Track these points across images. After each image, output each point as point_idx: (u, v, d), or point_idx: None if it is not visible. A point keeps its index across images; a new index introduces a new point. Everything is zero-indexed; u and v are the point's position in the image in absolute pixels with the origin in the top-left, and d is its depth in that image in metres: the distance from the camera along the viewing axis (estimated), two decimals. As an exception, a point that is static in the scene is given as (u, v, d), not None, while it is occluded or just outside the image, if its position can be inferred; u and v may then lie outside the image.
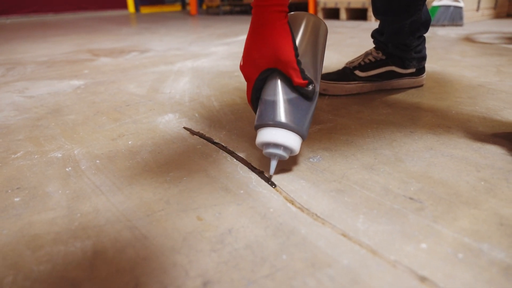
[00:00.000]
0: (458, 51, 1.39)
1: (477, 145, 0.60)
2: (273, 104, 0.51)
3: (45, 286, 0.36)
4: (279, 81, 0.52)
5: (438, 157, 0.57)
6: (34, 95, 1.04)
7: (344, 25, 2.53)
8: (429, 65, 1.17)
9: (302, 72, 0.51)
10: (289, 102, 0.50)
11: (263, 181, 0.53)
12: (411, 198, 0.47)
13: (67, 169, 0.59)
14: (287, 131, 0.49)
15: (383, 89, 0.93)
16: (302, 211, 0.45)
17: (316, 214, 0.45)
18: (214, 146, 0.66)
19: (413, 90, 0.93)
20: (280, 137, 0.49)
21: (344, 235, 0.41)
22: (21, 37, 2.54)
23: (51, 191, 0.53)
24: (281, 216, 0.45)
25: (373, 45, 0.95)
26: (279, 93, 0.51)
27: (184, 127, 0.75)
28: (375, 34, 0.92)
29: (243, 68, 0.56)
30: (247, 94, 0.57)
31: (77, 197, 0.51)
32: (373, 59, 0.91)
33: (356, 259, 0.37)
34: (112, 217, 0.46)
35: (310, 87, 0.51)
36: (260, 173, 0.54)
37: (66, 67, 1.42)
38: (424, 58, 0.91)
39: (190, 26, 2.82)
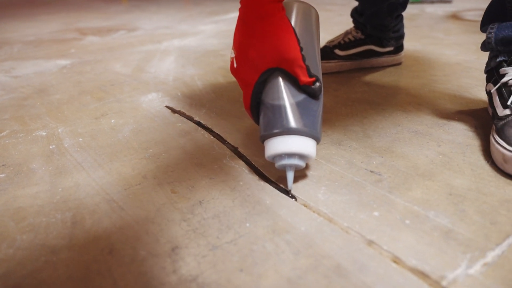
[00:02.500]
0: (442, 29, 1.41)
1: (443, 122, 0.63)
2: (280, 109, 0.44)
3: (27, 253, 0.39)
4: (282, 82, 0.46)
5: (404, 133, 0.60)
6: (20, 75, 1.06)
7: (333, 1, 2.51)
8: (411, 43, 1.18)
9: (308, 69, 0.45)
10: (297, 104, 0.45)
11: (236, 157, 0.56)
12: (371, 171, 0.50)
13: (51, 147, 0.62)
14: (301, 137, 0.44)
15: (362, 68, 0.96)
16: (269, 183, 0.49)
17: (281, 187, 0.48)
18: (193, 124, 0.68)
19: (391, 68, 0.95)
20: (295, 146, 0.43)
21: (305, 205, 0.44)
22: (8, 16, 2.51)
23: (35, 168, 0.56)
24: (250, 189, 0.48)
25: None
26: (285, 95, 0.45)
27: (166, 106, 0.78)
28: (354, 15, 0.94)
29: (238, 71, 0.48)
30: (245, 100, 0.49)
31: (60, 173, 0.54)
32: (352, 38, 0.93)
33: (313, 226, 0.40)
34: (91, 191, 0.49)
35: (317, 84, 0.46)
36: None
37: (53, 47, 1.42)
38: (402, 36, 0.93)
39: (181, 4, 2.79)
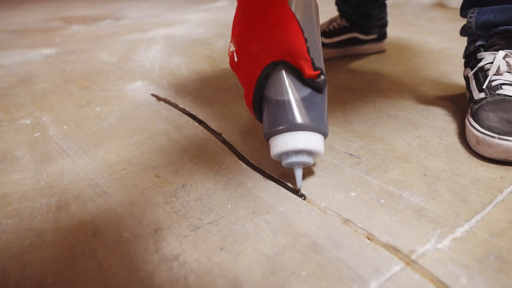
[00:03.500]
0: (427, 18, 1.42)
1: (422, 107, 0.65)
2: (285, 104, 0.42)
3: (13, 236, 0.40)
4: (286, 76, 0.43)
5: (384, 118, 0.62)
6: (4, 64, 1.05)
7: (322, -10, 2.51)
8: (395, 31, 1.20)
9: (312, 62, 0.43)
10: (303, 99, 0.43)
11: (220, 142, 0.57)
12: (351, 155, 0.51)
13: (35, 135, 0.62)
14: (309, 132, 0.42)
15: (347, 55, 0.97)
16: (252, 168, 0.50)
17: (263, 171, 0.49)
18: (178, 111, 0.69)
19: (375, 56, 0.96)
20: (303, 142, 0.41)
21: (285, 187, 0.45)
22: (-9, 5, 2.46)
23: (20, 155, 0.56)
24: (232, 173, 0.49)
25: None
26: (290, 90, 0.43)
27: (152, 94, 0.78)
28: (338, 3, 0.95)
29: (239, 65, 0.45)
30: (247, 96, 0.46)
31: (44, 160, 0.55)
32: (337, 26, 0.94)
33: (292, 207, 0.42)
34: (76, 176, 0.50)
35: (322, 77, 0.43)
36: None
37: (37, 36, 1.40)
38: (385, 24, 0.94)
39: (167, -8, 2.76)
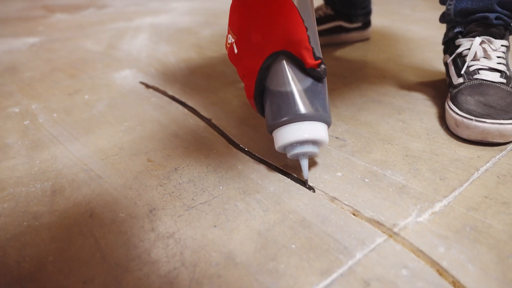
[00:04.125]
0: (410, 6, 1.45)
1: (405, 92, 0.67)
2: (288, 95, 0.42)
3: (10, 219, 0.41)
4: (288, 66, 0.42)
5: (369, 103, 0.64)
6: (-13, 53, 1.03)
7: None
8: (379, 20, 1.22)
9: (313, 51, 0.42)
10: (306, 89, 0.42)
11: (210, 128, 0.58)
12: (337, 138, 0.54)
13: (25, 123, 0.63)
14: (313, 122, 0.42)
15: (332, 43, 0.98)
16: (241, 151, 0.52)
17: (252, 153, 0.51)
18: (167, 98, 0.70)
19: (360, 44, 0.98)
20: (308, 132, 0.41)
21: (274, 168, 0.47)
22: (-31, -7, 2.39)
23: (11, 142, 0.57)
24: (223, 156, 0.51)
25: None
26: (292, 80, 0.42)
27: (140, 82, 0.79)
28: (324, -10, 0.96)
29: (240, 57, 0.44)
30: (248, 89, 0.44)
31: (36, 146, 0.55)
32: (322, 14, 0.95)
33: (281, 186, 0.44)
34: (69, 162, 0.51)
35: (322, 67, 0.43)
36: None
37: (20, 25, 1.38)
38: (369, 12, 0.96)
39: (151, -19, 2.72)
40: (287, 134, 0.41)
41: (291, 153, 0.43)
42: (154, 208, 0.41)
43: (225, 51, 0.97)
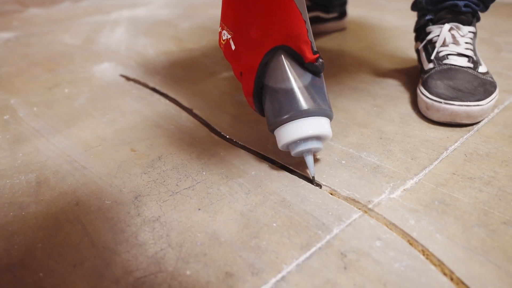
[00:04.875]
0: (385, -4, 1.48)
1: (380, 79, 0.70)
2: (289, 92, 0.40)
3: (-5, 210, 0.41)
4: (287, 62, 0.41)
5: (345, 90, 0.66)
6: (-39, 49, 1.01)
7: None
8: (356, 10, 1.24)
9: (312, 45, 0.41)
10: (306, 84, 0.41)
11: (192, 117, 0.59)
12: (315, 123, 0.56)
13: (5, 117, 0.62)
14: (316, 117, 0.41)
15: (310, 33, 1.00)
16: (223, 139, 0.53)
17: (234, 140, 0.52)
18: (148, 90, 0.71)
19: (337, 34, 1.01)
20: (312, 128, 0.40)
21: (255, 153, 0.49)
22: None
23: (-9, 137, 0.57)
24: (205, 144, 0.52)
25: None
26: (292, 76, 0.41)
27: (120, 75, 0.79)
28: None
29: (238, 54, 0.42)
30: (247, 87, 0.43)
31: (18, 140, 0.55)
32: (299, 5, 0.97)
33: (262, 170, 0.45)
34: (52, 154, 0.51)
35: (320, 61, 0.42)
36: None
37: (-7, 20, 1.35)
38: (345, 3, 0.99)
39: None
40: (291, 132, 0.40)
41: (295, 151, 0.42)
42: (139, 194, 0.42)
43: (204, 43, 0.98)
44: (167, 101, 0.65)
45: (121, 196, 0.42)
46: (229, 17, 0.41)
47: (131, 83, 0.74)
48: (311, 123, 0.40)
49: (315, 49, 0.42)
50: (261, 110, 0.45)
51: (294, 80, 0.41)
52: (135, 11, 1.42)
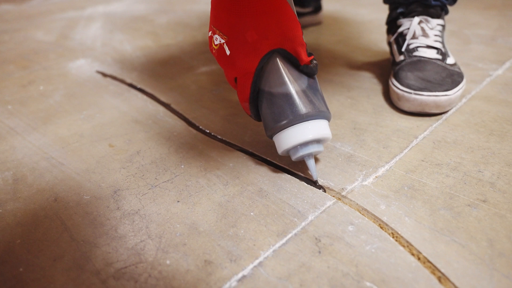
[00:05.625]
0: (360, -10, 1.50)
1: (353, 72, 0.72)
2: (288, 96, 0.40)
3: (-28, 209, 0.41)
4: (283, 65, 0.40)
5: (320, 82, 0.67)
6: None
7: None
8: (332, 4, 1.26)
9: (306, 47, 0.41)
10: (304, 87, 0.40)
11: (169, 112, 0.60)
12: (291, 115, 0.57)
13: (-22, 115, 0.61)
14: (316, 120, 0.40)
15: (286, 28, 1.01)
16: (202, 132, 0.54)
17: (211, 134, 0.53)
18: (125, 86, 0.70)
19: (313, 28, 1.02)
20: (312, 132, 0.40)
21: (232, 146, 0.50)
22: None
23: (-35, 136, 0.56)
24: (183, 138, 0.53)
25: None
26: (289, 80, 0.40)
27: (97, 71, 0.78)
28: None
29: (234, 58, 0.40)
30: (243, 92, 0.42)
31: (-8, 138, 0.55)
32: (275, -1, 0.98)
33: (240, 162, 0.46)
34: (29, 151, 0.51)
35: (315, 62, 0.41)
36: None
37: (-39, 16, 1.31)
38: (320, -3, 1.00)
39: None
40: (291, 137, 0.40)
41: (296, 156, 0.41)
42: (119, 189, 0.43)
43: (181, 38, 0.98)
44: (145, 97, 0.66)
45: (100, 191, 0.43)
46: (222, 21, 0.39)
47: (108, 79, 0.74)
48: (311, 127, 0.40)
49: (308, 50, 0.41)
50: (257, 116, 0.44)
51: (291, 84, 0.40)
52: (110, 6, 1.40)
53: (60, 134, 0.55)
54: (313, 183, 0.42)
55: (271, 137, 0.43)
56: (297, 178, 0.43)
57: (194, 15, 1.22)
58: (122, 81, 0.72)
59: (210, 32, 0.42)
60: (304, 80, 0.41)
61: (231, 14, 0.38)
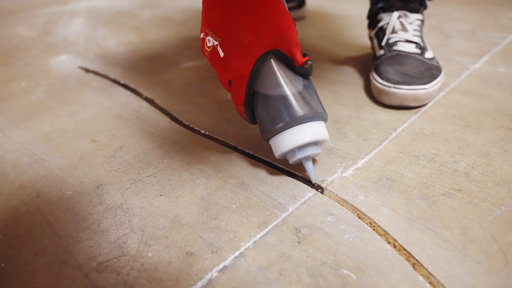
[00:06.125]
0: (345, -15, 1.51)
1: (336, 66, 0.72)
2: (284, 98, 0.39)
3: (-48, 206, 0.41)
4: (278, 67, 0.39)
5: (303, 77, 0.68)
6: None
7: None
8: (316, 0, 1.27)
9: (301, 47, 0.40)
10: (299, 88, 0.40)
11: (153, 107, 0.60)
12: (273, 110, 0.57)
13: (-42, 112, 0.61)
14: (313, 122, 0.39)
15: (271, 23, 1.02)
16: (185, 127, 0.54)
17: (195, 129, 0.54)
18: (109, 81, 0.70)
19: (296, 23, 1.03)
20: (309, 134, 0.39)
21: (215, 140, 0.50)
22: None
23: None
24: (166, 133, 0.53)
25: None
26: (285, 82, 0.39)
27: (80, 67, 0.78)
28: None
29: (229, 60, 0.39)
30: (238, 95, 0.41)
31: (-27, 135, 0.54)
32: (259, -6, 0.98)
33: (222, 156, 0.47)
34: (10, 148, 0.51)
35: (309, 63, 0.41)
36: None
37: None
38: (304, -8, 1.01)
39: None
40: (289, 140, 0.39)
41: (294, 159, 0.40)
42: (101, 184, 0.43)
43: (165, 34, 0.98)
44: (128, 92, 0.65)
45: (83, 186, 0.43)
46: (215, 22, 0.38)
47: (91, 74, 0.73)
48: (308, 129, 0.39)
49: (303, 51, 0.41)
50: (252, 119, 0.43)
51: (287, 86, 0.39)
52: (93, 1, 1.38)
53: (42, 130, 0.55)
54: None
55: (267, 140, 0.41)
56: (279, 170, 0.44)
57: (179, 10, 1.22)
58: (105, 77, 0.72)
59: (202, 34, 0.40)
60: (300, 81, 0.40)
61: (224, 15, 0.37)
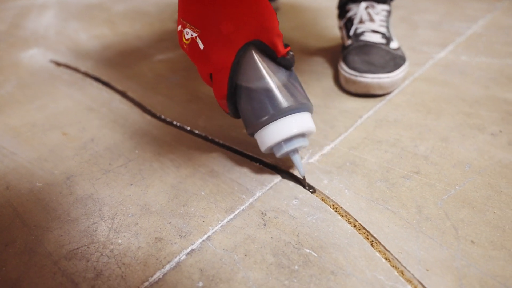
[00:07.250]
0: (319, -23, 1.53)
1: (306, 57, 0.74)
2: (266, 91, 0.37)
3: None
4: (259, 58, 0.38)
5: (275, 68, 0.69)
6: None
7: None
8: (290, -9, 1.28)
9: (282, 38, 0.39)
10: (282, 80, 0.38)
11: (125, 100, 0.60)
12: (244, 100, 0.59)
13: None
14: (299, 113, 0.38)
15: (244, 15, 1.03)
16: (157, 119, 0.55)
17: (166, 120, 0.54)
18: (80, 74, 0.70)
19: (270, 14, 1.04)
20: (296, 126, 0.38)
21: (186, 131, 0.51)
22: None
23: None
24: (138, 124, 0.53)
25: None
26: (267, 74, 0.38)
27: (50, 60, 0.77)
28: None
29: (207, 54, 0.37)
30: (219, 89, 0.39)
31: None
32: (232, -14, 0.98)
33: (193, 145, 0.48)
34: (-22, 142, 0.50)
35: (291, 54, 0.40)
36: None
37: None
38: (277, -16, 1.01)
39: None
40: (275, 133, 0.38)
41: (281, 152, 0.39)
42: (72, 175, 0.43)
43: (138, 27, 0.97)
44: (100, 85, 0.65)
45: (53, 178, 0.43)
46: (193, 13, 0.36)
47: (62, 68, 0.73)
48: (294, 121, 0.38)
49: (284, 41, 0.39)
50: (235, 113, 0.41)
51: (270, 78, 0.38)
52: (65, -6, 1.36)
53: (11, 124, 0.54)
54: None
55: (252, 135, 0.40)
56: (248, 158, 0.45)
57: (152, 3, 1.21)
58: (76, 70, 0.72)
59: (180, 26, 0.38)
60: (283, 73, 0.39)
61: (203, 5, 0.35)
